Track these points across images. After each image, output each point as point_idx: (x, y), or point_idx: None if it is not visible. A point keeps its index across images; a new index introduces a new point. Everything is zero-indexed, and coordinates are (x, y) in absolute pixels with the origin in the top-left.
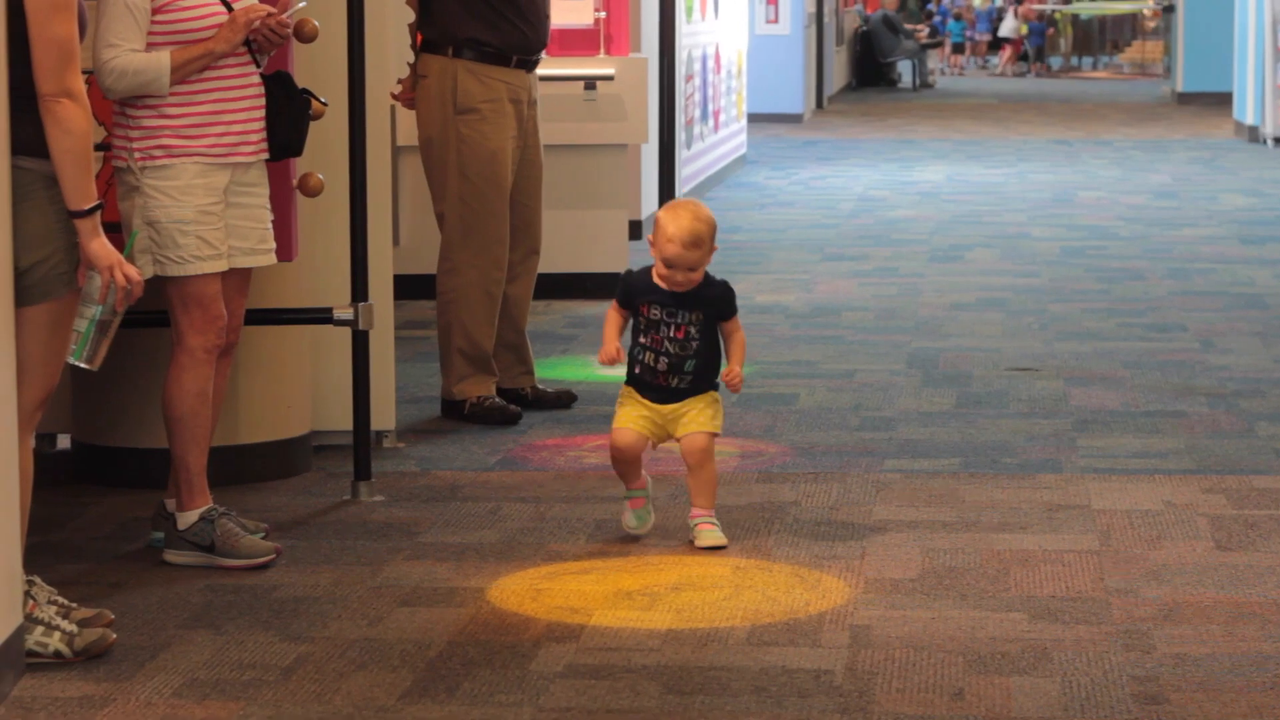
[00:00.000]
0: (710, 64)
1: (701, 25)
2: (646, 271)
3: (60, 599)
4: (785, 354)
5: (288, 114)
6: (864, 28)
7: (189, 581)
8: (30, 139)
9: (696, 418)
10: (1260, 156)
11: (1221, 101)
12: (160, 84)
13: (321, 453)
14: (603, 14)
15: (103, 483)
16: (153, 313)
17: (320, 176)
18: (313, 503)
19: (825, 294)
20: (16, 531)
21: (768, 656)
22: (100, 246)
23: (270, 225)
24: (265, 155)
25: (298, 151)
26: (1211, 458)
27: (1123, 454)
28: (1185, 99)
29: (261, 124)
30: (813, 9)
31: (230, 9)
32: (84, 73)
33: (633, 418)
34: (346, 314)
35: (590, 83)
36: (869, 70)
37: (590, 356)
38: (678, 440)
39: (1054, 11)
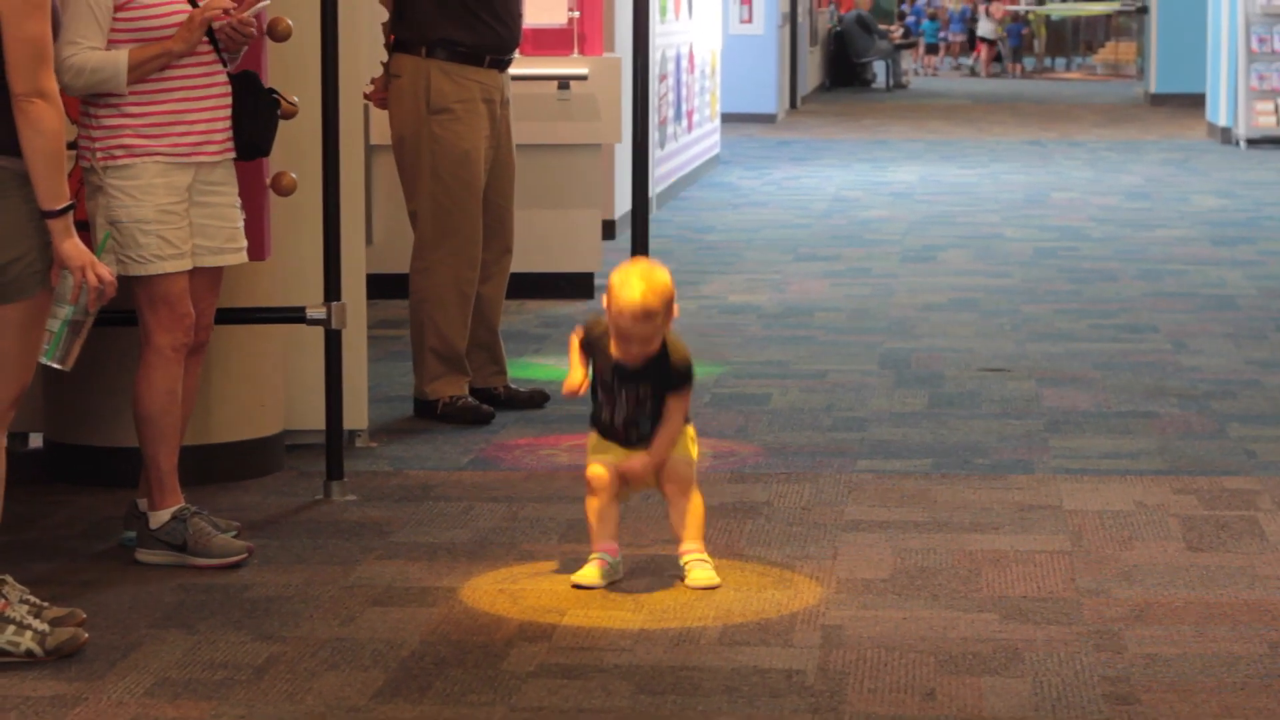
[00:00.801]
0: (684, 64)
1: (675, 25)
2: (608, 336)
3: (32, 598)
4: (757, 354)
5: (255, 114)
6: (838, 28)
7: (161, 581)
8: (3, 138)
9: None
10: (1232, 158)
11: (1194, 103)
12: (118, 82)
13: (294, 452)
14: (576, 13)
15: (74, 482)
16: (124, 312)
17: (293, 175)
18: (285, 502)
19: (798, 294)
20: None
21: (740, 656)
22: (73, 246)
23: (240, 224)
24: (231, 154)
25: (266, 151)
26: (1183, 459)
27: (1094, 455)
28: (1158, 100)
29: (227, 124)
30: (786, 9)
31: (195, 7)
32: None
33: (601, 453)
34: (319, 313)
35: (564, 82)
36: (843, 70)
37: (562, 357)
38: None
39: (1027, 12)
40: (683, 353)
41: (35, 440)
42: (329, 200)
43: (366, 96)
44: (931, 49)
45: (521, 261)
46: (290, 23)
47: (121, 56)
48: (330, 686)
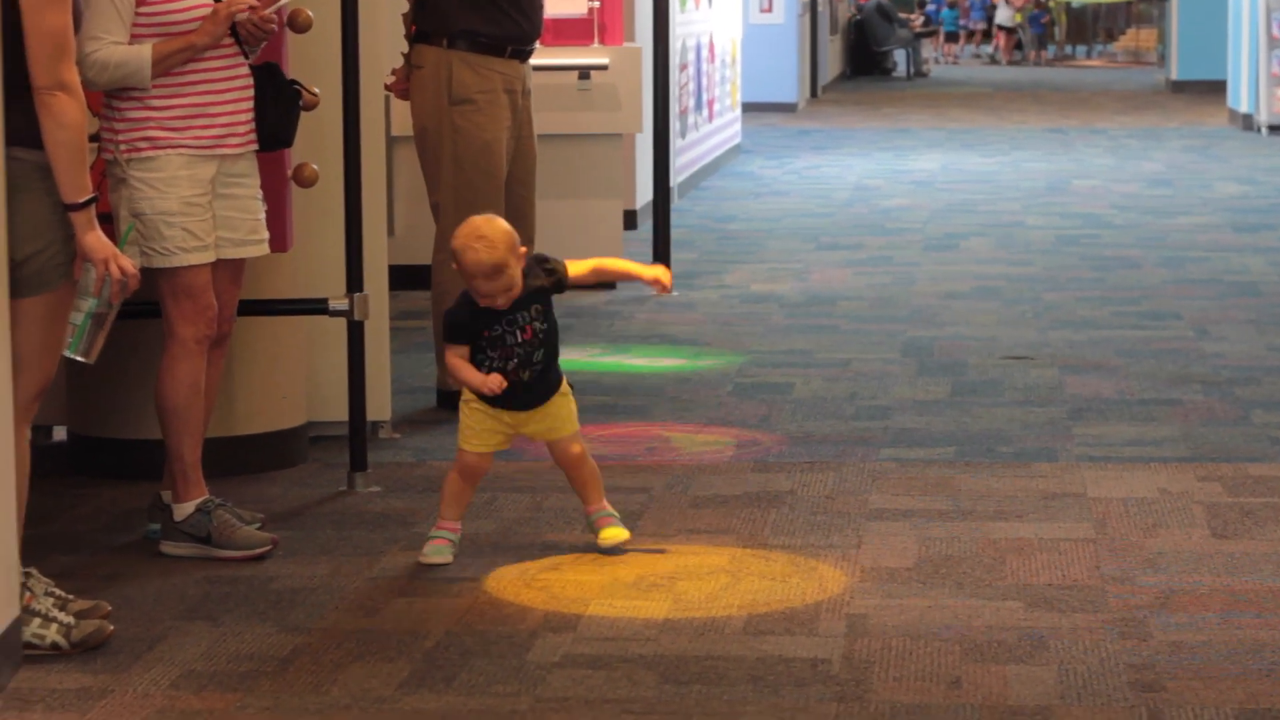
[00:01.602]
0: (704, 53)
1: (695, 14)
2: (466, 299)
3: (57, 590)
4: (780, 343)
5: (276, 105)
6: (858, 16)
7: (186, 573)
8: (26, 130)
9: (558, 424)
10: (1254, 144)
11: (1215, 90)
12: (141, 77)
13: (317, 444)
14: (597, 3)
15: (99, 474)
16: (148, 304)
17: (315, 167)
18: (309, 494)
19: (820, 283)
20: (13, 523)
21: (764, 646)
22: (95, 239)
23: (262, 216)
24: (254, 146)
25: (288, 142)
26: (1207, 445)
27: (1118, 442)
28: (1179, 87)
29: (249, 115)
30: None
31: (216, 1)
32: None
33: (483, 437)
34: (342, 304)
35: (584, 72)
36: (863, 59)
37: (581, 347)
38: (543, 445)
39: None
40: (527, 257)
41: (59, 433)
42: (350, 192)
43: (387, 87)
44: (952, 37)
45: (543, 251)
46: (311, 14)
47: (145, 51)
48: (355, 677)
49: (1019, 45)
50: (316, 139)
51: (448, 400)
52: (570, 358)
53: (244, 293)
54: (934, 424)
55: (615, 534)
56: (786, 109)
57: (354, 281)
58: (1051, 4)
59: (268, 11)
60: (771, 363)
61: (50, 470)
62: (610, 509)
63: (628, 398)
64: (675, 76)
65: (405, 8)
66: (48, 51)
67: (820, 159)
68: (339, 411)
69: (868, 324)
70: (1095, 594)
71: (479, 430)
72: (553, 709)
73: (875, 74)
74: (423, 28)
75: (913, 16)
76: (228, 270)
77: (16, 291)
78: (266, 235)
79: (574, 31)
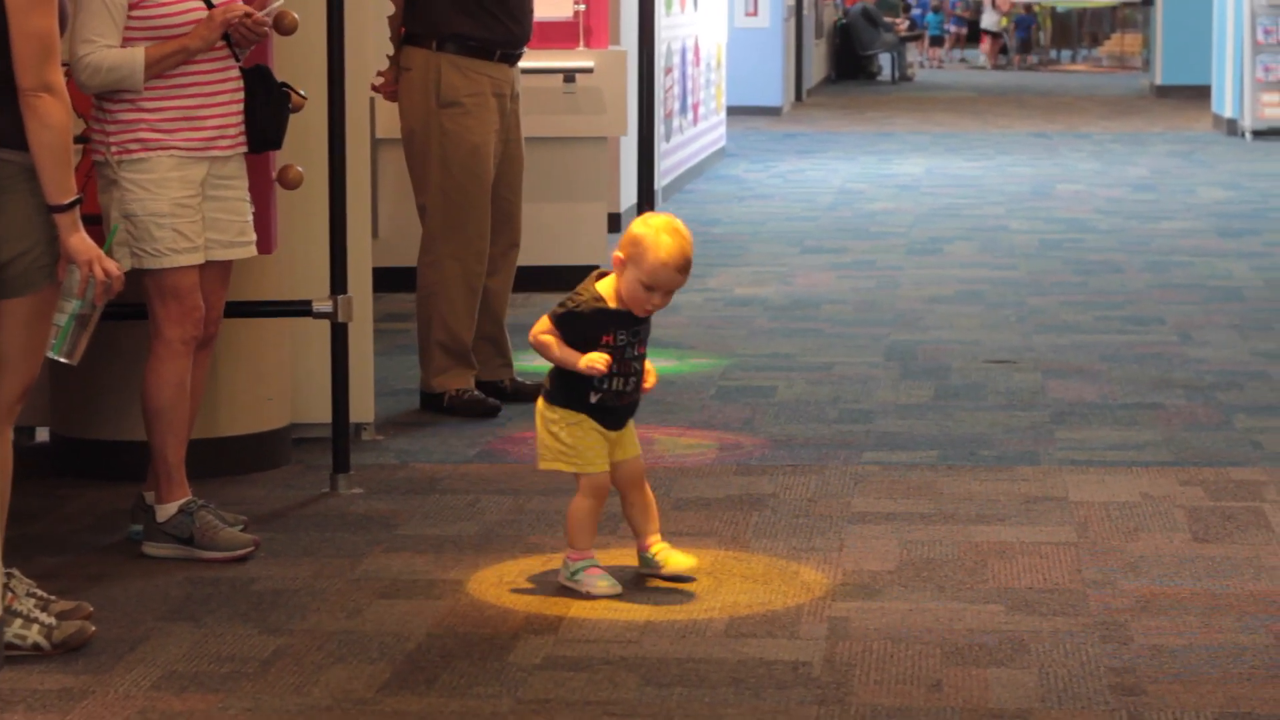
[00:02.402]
0: (689, 57)
1: (681, 18)
2: (597, 300)
3: (39, 591)
4: (763, 346)
5: (266, 107)
6: (843, 20)
7: (168, 574)
8: (11, 132)
9: (631, 442)
10: (1238, 149)
11: (1200, 94)
12: (135, 80)
13: (300, 445)
14: (582, 6)
15: (82, 475)
16: (132, 305)
17: (300, 169)
18: (292, 495)
19: (804, 287)
20: None
21: (746, 648)
22: (80, 241)
23: (250, 218)
24: (244, 148)
25: (277, 144)
26: (1189, 450)
27: (1100, 446)
28: (1164, 92)
29: (239, 117)
30: (792, 2)
31: (210, 5)
32: (64, 65)
33: (600, 453)
34: (325, 306)
35: (570, 75)
36: (848, 63)
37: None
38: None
39: (1033, 4)
40: None
41: (42, 434)
42: (335, 194)
43: (375, 89)
44: (937, 41)
45: (528, 254)
46: (296, 16)
47: (138, 55)
48: (337, 679)
49: (1004, 50)
50: (302, 141)
51: (431, 402)
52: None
53: (229, 294)
54: (916, 427)
55: (684, 561)
56: (771, 112)
57: (338, 283)
58: (1037, 9)
59: (262, 14)
60: (755, 366)
61: (33, 471)
62: (662, 540)
63: None
64: (660, 80)
65: (391, 10)
66: (33, 53)
67: (805, 163)
68: (322, 413)
69: (851, 328)
70: (1076, 598)
71: (595, 449)
72: (534, 711)
73: (860, 78)
74: (412, 30)
75: (898, 21)
76: (215, 272)
77: (1, 292)
78: (254, 237)
79: (559, 34)
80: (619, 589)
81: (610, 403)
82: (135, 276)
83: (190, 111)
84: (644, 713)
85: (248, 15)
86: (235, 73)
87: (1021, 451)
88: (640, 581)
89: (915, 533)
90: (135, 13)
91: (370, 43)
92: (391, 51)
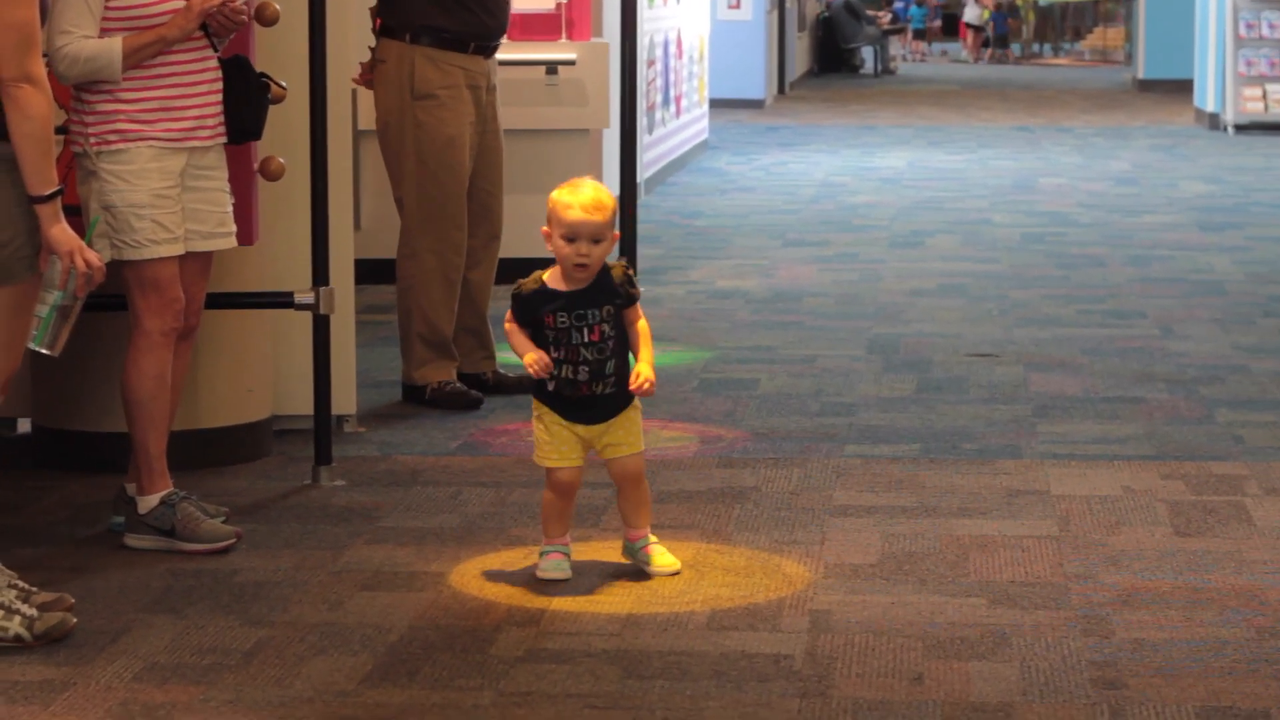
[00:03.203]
0: (672, 49)
1: (664, 10)
2: (538, 281)
3: (20, 583)
4: (746, 339)
5: (245, 97)
6: (826, 13)
7: (150, 566)
8: None
9: (626, 439)
10: (1220, 144)
11: (1182, 88)
12: (112, 70)
13: (282, 437)
14: None
15: (63, 467)
16: (114, 297)
17: (281, 160)
18: (273, 487)
19: (786, 279)
20: None
21: (727, 641)
22: (61, 232)
23: (230, 209)
24: (223, 139)
25: (257, 135)
26: (1170, 444)
27: (1082, 440)
28: (1146, 86)
29: (218, 108)
30: None
31: None
32: (44, 56)
33: (562, 450)
34: (307, 298)
35: (552, 67)
36: (831, 56)
37: None
38: (603, 460)
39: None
40: (620, 266)
41: (24, 425)
42: (317, 185)
43: (355, 81)
44: (919, 34)
45: (509, 246)
46: (278, 7)
47: (116, 45)
48: (318, 671)
49: (986, 43)
50: (283, 132)
51: (413, 395)
52: None
53: (210, 286)
54: (898, 421)
55: (669, 563)
56: (754, 105)
57: (320, 275)
58: (1019, 2)
59: (239, 3)
60: (737, 359)
61: (15, 462)
62: (654, 536)
63: None
64: (643, 72)
65: (372, 1)
66: (14, 44)
67: (787, 155)
68: (304, 405)
69: (833, 320)
70: (1058, 591)
71: (555, 443)
72: (516, 703)
73: (843, 71)
74: (387, 22)
75: (881, 14)
76: (196, 263)
77: None
78: (234, 228)
79: (542, 27)
80: (566, 575)
81: (566, 392)
82: (115, 268)
83: (169, 102)
84: (625, 705)
85: (225, 4)
86: (213, 63)
87: (1003, 445)
88: (622, 573)
89: (897, 526)
90: (113, 3)
91: (352, 34)
92: (373, 43)
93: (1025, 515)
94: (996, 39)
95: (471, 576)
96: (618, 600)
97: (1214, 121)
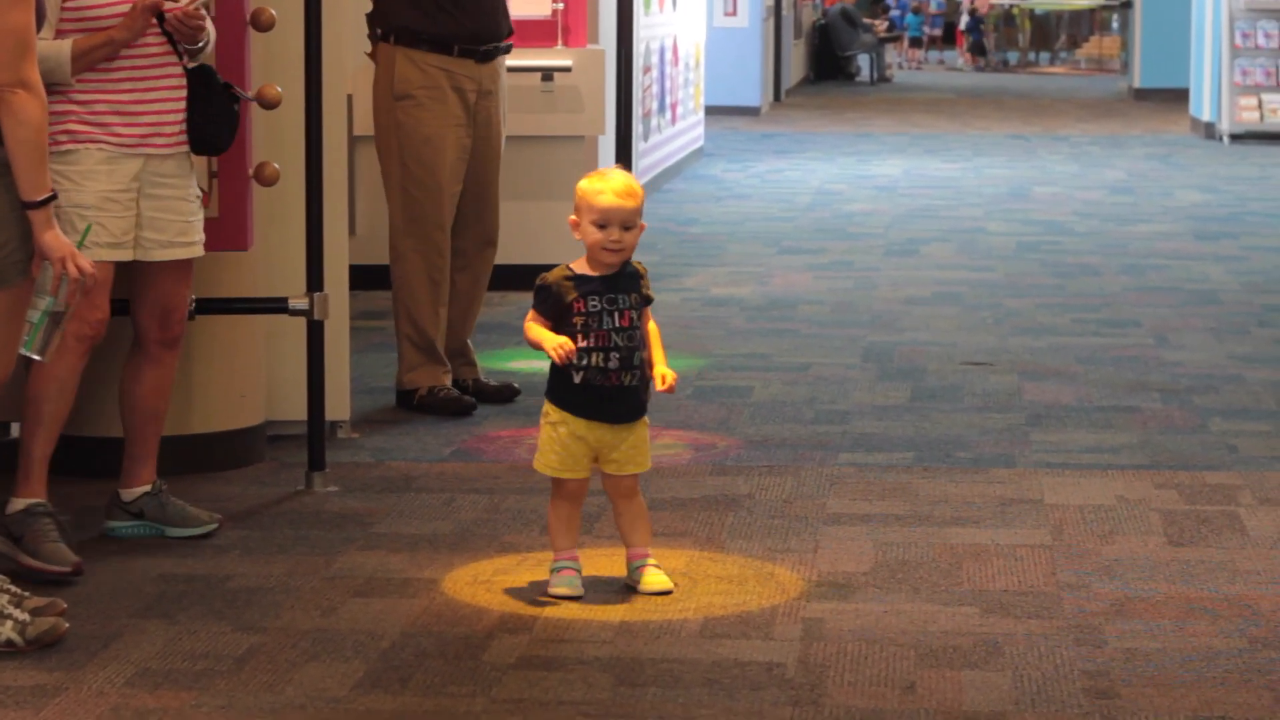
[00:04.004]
0: (668, 56)
1: (659, 17)
2: (565, 270)
3: (12, 588)
4: (740, 347)
5: (207, 107)
6: (822, 21)
7: (142, 571)
8: None
9: (636, 457)
10: (1216, 153)
11: (1178, 98)
12: (62, 72)
13: (276, 443)
14: (560, 5)
15: (55, 472)
16: (112, 301)
17: (276, 166)
18: (266, 493)
19: (781, 287)
20: None
21: (720, 649)
22: (54, 238)
23: (195, 218)
24: (184, 148)
25: (222, 148)
26: (1164, 453)
27: (1076, 449)
28: (1142, 95)
29: (179, 116)
30: (770, 2)
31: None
32: None
33: (571, 461)
34: (302, 304)
35: (547, 74)
36: (827, 64)
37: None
38: (601, 471)
39: (1012, 7)
40: (639, 264)
41: (15, 430)
42: (312, 190)
43: None
44: (916, 42)
45: (505, 253)
46: (273, 13)
47: (65, 46)
48: (311, 677)
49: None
50: (278, 137)
51: (407, 400)
52: (530, 361)
53: (204, 291)
54: (893, 429)
55: (660, 581)
56: (750, 113)
57: (314, 281)
58: (1015, 11)
59: (191, 7)
60: (731, 366)
61: (6, 467)
62: (654, 560)
63: None
64: (639, 79)
65: (369, 7)
66: (9, 49)
67: (783, 163)
68: (298, 411)
69: (828, 328)
70: (1051, 600)
71: (564, 455)
72: (508, 711)
73: (839, 78)
74: (374, 24)
75: (877, 22)
76: (172, 272)
77: None
78: (200, 238)
79: (537, 33)
80: (579, 592)
81: (596, 381)
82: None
83: (123, 106)
84: (617, 713)
85: (179, 8)
86: (176, 71)
87: (997, 454)
88: (615, 581)
89: (890, 534)
90: (68, 5)
91: (348, 39)
92: (370, 49)
93: (1019, 524)
94: (974, 45)
95: (464, 583)
96: (611, 608)
97: (1209, 131)
